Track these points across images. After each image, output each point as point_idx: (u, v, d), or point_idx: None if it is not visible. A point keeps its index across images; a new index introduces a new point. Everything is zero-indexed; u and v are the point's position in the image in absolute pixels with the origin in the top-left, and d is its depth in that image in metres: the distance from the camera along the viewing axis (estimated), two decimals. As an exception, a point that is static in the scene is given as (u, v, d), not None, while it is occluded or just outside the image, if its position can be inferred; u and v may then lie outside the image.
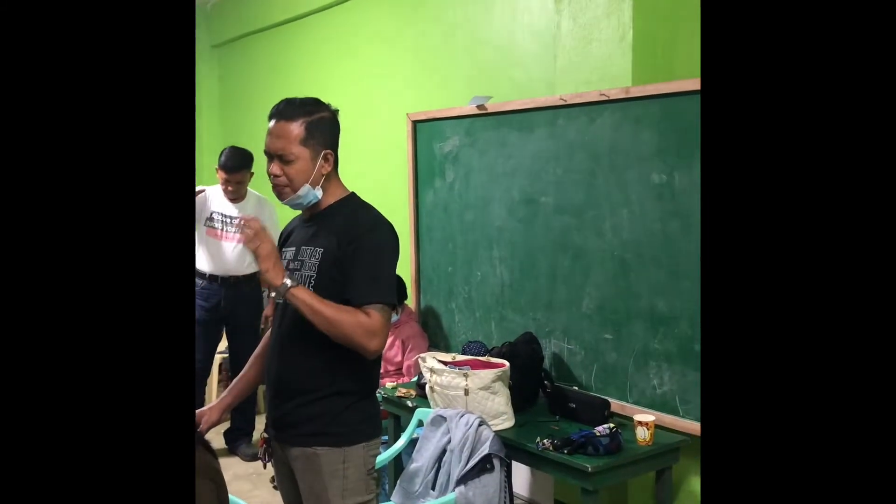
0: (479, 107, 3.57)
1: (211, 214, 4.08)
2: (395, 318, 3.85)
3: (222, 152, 4.06)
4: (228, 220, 4.10)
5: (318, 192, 1.99)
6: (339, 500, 1.95)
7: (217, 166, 4.03)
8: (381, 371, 3.70)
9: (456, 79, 3.90)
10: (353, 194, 2.08)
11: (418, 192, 4.04)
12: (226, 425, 4.40)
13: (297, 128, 1.92)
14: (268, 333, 2.15)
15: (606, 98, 2.97)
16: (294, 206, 2.03)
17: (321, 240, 1.97)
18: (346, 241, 1.93)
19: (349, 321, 1.86)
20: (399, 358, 3.85)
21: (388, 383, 3.52)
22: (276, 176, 1.95)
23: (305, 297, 1.85)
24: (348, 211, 2.02)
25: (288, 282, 1.85)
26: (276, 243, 1.99)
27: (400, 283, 3.89)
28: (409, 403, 3.21)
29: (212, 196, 4.10)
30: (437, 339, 3.97)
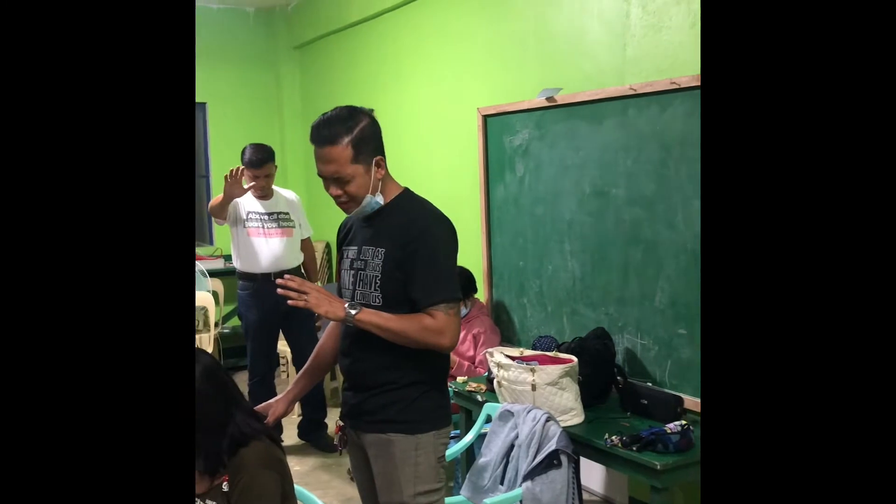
0: (548, 99, 3.53)
1: (247, 215, 4.15)
2: (464, 311, 3.86)
3: (244, 151, 4.12)
4: (266, 217, 4.17)
5: (380, 199, 2.02)
6: (411, 486, 1.99)
7: (242, 166, 4.02)
8: (454, 365, 3.73)
9: (525, 71, 3.86)
10: (406, 190, 2.10)
11: (489, 187, 4.03)
12: (297, 419, 4.51)
13: (343, 149, 1.91)
14: (329, 325, 2.20)
15: (677, 86, 2.89)
16: (360, 216, 2.06)
17: (381, 240, 2.00)
18: (403, 242, 1.96)
19: (415, 328, 1.92)
20: (471, 352, 3.85)
21: (459, 378, 3.53)
22: (338, 196, 1.99)
23: (371, 319, 1.92)
24: (403, 209, 2.04)
25: (352, 311, 1.91)
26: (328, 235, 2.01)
27: (469, 277, 3.90)
28: (479, 398, 3.21)
29: (242, 200, 4.16)
30: (508, 333, 3.96)
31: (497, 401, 3.05)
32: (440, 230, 2.02)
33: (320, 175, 1.98)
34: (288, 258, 4.19)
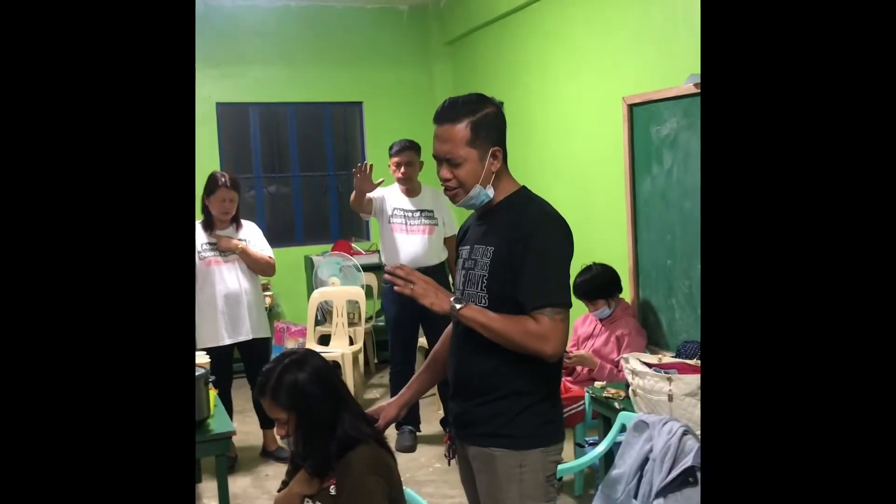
0: (695, 85, 3.28)
1: (392, 211, 4.19)
2: (608, 311, 3.68)
3: (392, 145, 4.21)
4: (410, 214, 4.20)
5: (490, 192, 1.93)
6: None
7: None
8: (598, 368, 3.57)
9: (673, 58, 3.61)
10: (523, 188, 2.00)
11: (635, 180, 3.82)
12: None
13: (462, 129, 1.87)
14: (446, 331, 2.15)
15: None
16: (467, 207, 2.00)
17: (491, 238, 1.93)
18: (514, 241, 1.87)
19: (518, 331, 1.82)
20: (614, 355, 3.67)
21: (598, 383, 3.37)
22: (446, 180, 1.93)
23: (475, 316, 1.85)
24: (516, 208, 1.94)
25: (457, 305, 1.85)
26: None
27: (613, 275, 3.72)
28: (616, 405, 3.05)
29: (388, 196, 4.20)
30: (656, 336, 3.74)
31: (633, 409, 2.88)
32: (553, 231, 1.91)
33: (435, 155, 1.93)
34: (428, 255, 4.20)
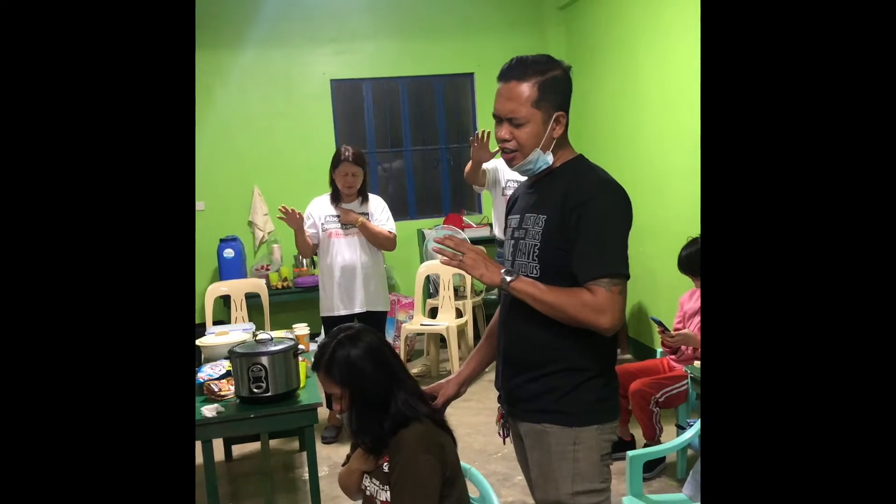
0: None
1: (506, 183, 4.11)
2: (713, 288, 3.45)
3: None
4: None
5: (549, 158, 1.84)
6: (568, 484, 1.81)
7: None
8: (692, 347, 3.37)
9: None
10: (580, 156, 1.88)
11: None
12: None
13: (528, 88, 1.79)
14: (500, 304, 2.08)
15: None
16: (524, 173, 1.91)
17: (544, 206, 1.83)
18: (569, 208, 1.77)
19: (572, 303, 1.73)
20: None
21: (698, 362, 3.18)
22: (504, 140, 1.84)
23: (526, 289, 1.77)
24: (572, 175, 1.83)
25: (507, 278, 1.78)
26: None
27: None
28: (715, 386, 2.86)
29: (502, 167, 4.12)
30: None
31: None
32: (611, 199, 1.79)
33: (496, 114, 1.85)
34: None
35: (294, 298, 5.70)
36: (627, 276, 1.76)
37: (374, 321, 4.14)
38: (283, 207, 3.87)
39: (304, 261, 5.74)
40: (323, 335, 4.10)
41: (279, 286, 5.70)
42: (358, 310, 4.05)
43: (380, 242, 4.07)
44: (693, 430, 2.78)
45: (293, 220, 3.87)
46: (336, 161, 4.00)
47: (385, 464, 1.91)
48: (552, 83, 1.80)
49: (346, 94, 6.26)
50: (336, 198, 4.05)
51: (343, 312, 4.03)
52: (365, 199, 4.08)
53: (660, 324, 3.47)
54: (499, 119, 1.84)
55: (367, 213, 4.05)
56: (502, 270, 1.78)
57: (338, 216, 4.02)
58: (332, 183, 4.04)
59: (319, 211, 4.06)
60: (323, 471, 3.60)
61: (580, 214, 1.75)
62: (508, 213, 2.01)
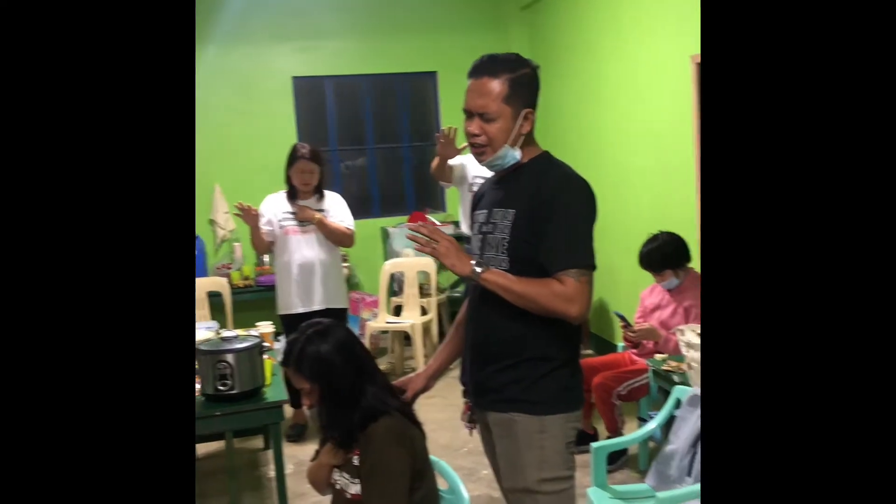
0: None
1: (473, 179, 4.11)
2: (675, 282, 3.53)
3: None
4: None
5: (517, 153, 1.88)
6: (535, 471, 1.86)
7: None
8: (663, 341, 3.44)
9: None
10: (546, 153, 1.93)
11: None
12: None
13: (499, 85, 1.82)
14: (469, 297, 2.11)
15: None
16: (492, 168, 1.94)
17: (512, 201, 1.88)
18: (537, 203, 1.82)
19: (543, 293, 1.78)
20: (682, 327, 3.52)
21: (659, 355, 3.25)
22: (474, 135, 1.88)
23: (497, 280, 1.81)
24: (539, 169, 1.88)
25: (477, 269, 1.82)
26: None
27: (681, 244, 3.56)
28: (676, 378, 2.93)
29: (469, 163, 4.12)
30: (727, 307, 3.55)
31: (690, 383, 2.75)
32: (577, 192, 1.85)
33: (466, 108, 1.88)
34: None
35: (256, 297, 5.66)
36: (594, 268, 1.81)
37: (334, 318, 4.10)
38: (240, 204, 3.85)
39: (266, 258, 5.70)
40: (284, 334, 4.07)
41: (241, 285, 5.65)
42: (317, 307, 4.01)
43: (338, 239, 4.06)
44: (654, 422, 2.84)
45: (249, 216, 3.86)
46: (292, 158, 3.98)
47: (355, 457, 1.93)
48: (522, 81, 1.85)
49: (309, 91, 6.23)
50: (292, 195, 4.02)
51: (301, 310, 4.00)
52: (321, 196, 4.06)
53: (623, 319, 3.53)
54: (469, 114, 1.88)
55: (324, 210, 4.03)
56: (473, 262, 1.82)
57: (294, 213, 4.00)
58: (288, 180, 4.02)
59: (275, 208, 4.03)
60: (288, 468, 3.59)
61: (549, 208, 1.80)
62: (475, 208, 2.04)
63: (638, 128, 4.49)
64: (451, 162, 4.05)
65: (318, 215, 3.97)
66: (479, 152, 1.89)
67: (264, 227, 3.98)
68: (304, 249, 4.00)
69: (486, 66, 1.85)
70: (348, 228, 4.07)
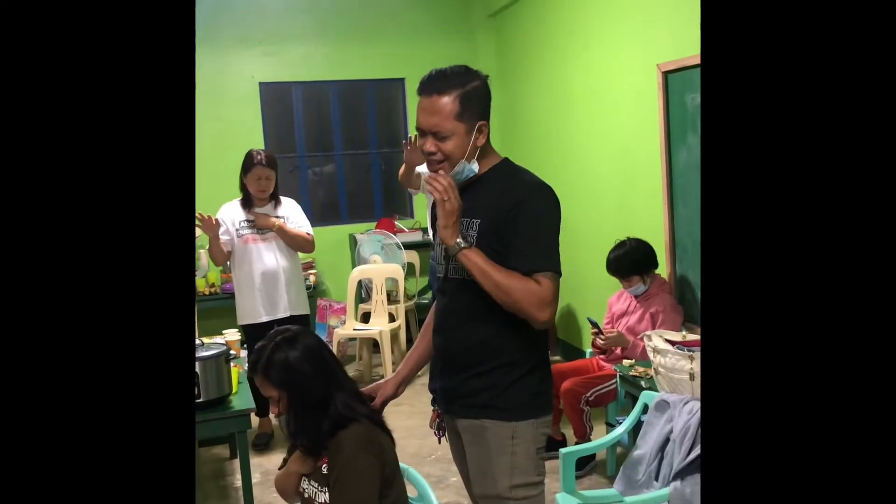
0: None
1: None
2: (643, 288, 3.57)
3: None
4: None
5: (475, 166, 1.87)
6: (506, 477, 1.86)
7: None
8: (630, 347, 3.46)
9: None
10: (505, 159, 1.93)
11: (671, 151, 3.66)
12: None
13: (450, 102, 1.80)
14: (434, 306, 2.11)
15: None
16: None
17: (477, 210, 1.87)
18: (504, 210, 1.82)
19: (520, 288, 1.77)
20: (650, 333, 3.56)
21: (626, 361, 3.27)
22: (431, 153, 1.87)
23: (478, 260, 1.80)
24: (502, 178, 1.88)
25: (462, 242, 1.80)
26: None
27: (648, 250, 3.60)
28: (643, 384, 2.95)
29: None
30: (693, 312, 3.60)
31: (657, 388, 2.78)
32: (543, 198, 1.85)
33: (419, 128, 1.87)
34: None
35: (222, 305, 5.57)
36: (561, 274, 1.82)
37: (298, 325, 4.06)
38: (200, 214, 3.78)
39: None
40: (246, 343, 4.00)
41: (206, 292, 5.58)
42: (282, 315, 3.97)
43: (298, 245, 4.02)
44: (622, 428, 2.86)
45: (210, 226, 3.79)
46: (248, 165, 3.93)
47: (324, 465, 1.91)
48: (472, 94, 1.83)
49: (276, 97, 6.19)
50: (247, 203, 3.97)
51: (266, 319, 3.95)
52: (277, 203, 4.02)
53: (594, 325, 3.55)
54: (422, 132, 1.86)
55: (282, 217, 3.99)
56: (459, 237, 1.81)
57: (252, 221, 3.95)
58: (244, 188, 3.97)
59: (232, 216, 3.97)
60: (255, 477, 3.55)
61: (516, 214, 1.80)
62: (434, 220, 2.04)
63: (604, 135, 4.53)
64: (418, 169, 4.05)
65: (278, 222, 3.93)
66: (437, 169, 1.89)
67: (222, 237, 3.91)
68: (266, 257, 3.95)
69: (435, 83, 1.82)
70: (308, 234, 4.03)
